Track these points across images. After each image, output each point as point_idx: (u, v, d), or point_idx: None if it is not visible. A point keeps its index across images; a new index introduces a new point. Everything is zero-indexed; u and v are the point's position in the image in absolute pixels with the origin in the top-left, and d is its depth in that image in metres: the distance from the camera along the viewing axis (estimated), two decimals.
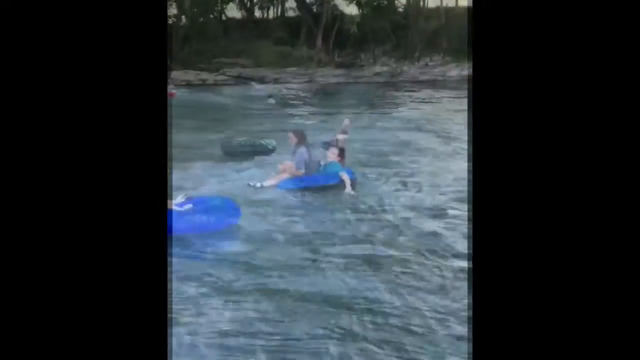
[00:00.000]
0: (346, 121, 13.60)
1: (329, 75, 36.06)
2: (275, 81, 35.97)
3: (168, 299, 2.18)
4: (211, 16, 40.13)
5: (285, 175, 9.09)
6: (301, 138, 9.41)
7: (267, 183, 8.94)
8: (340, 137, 11.54)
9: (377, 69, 37.12)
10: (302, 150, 9.11)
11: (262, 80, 36.41)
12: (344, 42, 40.02)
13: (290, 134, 9.67)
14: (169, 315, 2.46)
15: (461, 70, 32.94)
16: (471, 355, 2.05)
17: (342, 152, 9.29)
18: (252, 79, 36.69)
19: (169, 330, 2.65)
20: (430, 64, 35.92)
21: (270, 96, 24.37)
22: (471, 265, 1.94)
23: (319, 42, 40.39)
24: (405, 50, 37.91)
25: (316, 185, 8.78)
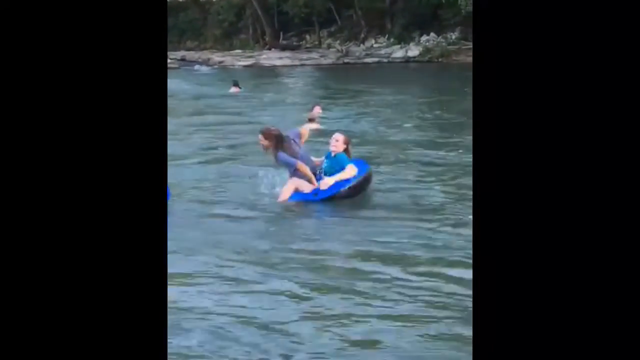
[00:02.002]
0: (317, 108, 13.32)
1: (274, 58, 35.82)
2: (220, 64, 35.57)
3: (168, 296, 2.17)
4: None
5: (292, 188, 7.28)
6: (278, 139, 7.19)
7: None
8: (313, 126, 11.26)
9: (322, 51, 37.07)
10: (283, 155, 7.13)
11: (206, 63, 35.95)
12: (289, 24, 39.82)
13: (260, 136, 7.31)
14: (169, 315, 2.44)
15: (406, 51, 33.15)
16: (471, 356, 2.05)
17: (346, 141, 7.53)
18: (196, 61, 36.18)
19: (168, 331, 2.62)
20: (375, 45, 36.05)
21: (235, 84, 20.77)
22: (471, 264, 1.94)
23: (264, 24, 40.08)
24: (351, 32, 37.95)
25: (337, 190, 7.22)
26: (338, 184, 7.22)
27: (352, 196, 7.26)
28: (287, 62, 34.74)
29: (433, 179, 8.34)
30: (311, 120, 11.94)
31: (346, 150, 7.45)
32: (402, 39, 34.30)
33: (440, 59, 30.94)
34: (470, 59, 29.86)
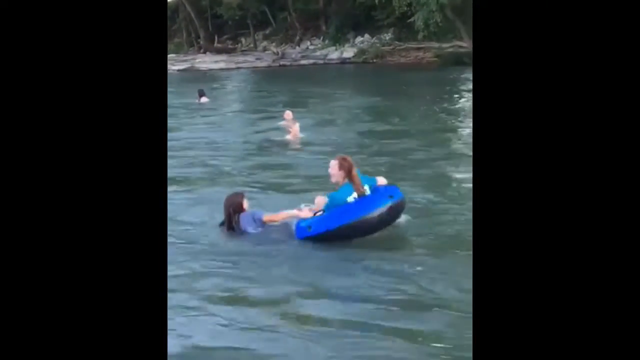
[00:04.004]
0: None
1: (210, 62, 35.54)
2: None
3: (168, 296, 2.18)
4: None
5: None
6: (239, 205, 6.11)
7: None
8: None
9: (258, 53, 37.00)
10: (246, 215, 6.07)
11: None
12: (223, 27, 39.57)
13: (226, 204, 6.10)
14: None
15: (341, 53, 33.43)
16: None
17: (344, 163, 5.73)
18: None
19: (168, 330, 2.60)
20: (310, 47, 36.22)
21: (201, 94, 18.02)
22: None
23: (197, 27, 39.69)
24: (286, 34, 38.00)
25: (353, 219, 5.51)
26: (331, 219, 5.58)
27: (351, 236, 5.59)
28: (223, 65, 34.51)
29: None
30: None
31: (350, 176, 5.69)
32: (337, 41, 34.55)
33: (375, 60, 31.29)
34: (404, 60, 30.48)
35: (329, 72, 29.24)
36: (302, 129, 11.24)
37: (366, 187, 5.70)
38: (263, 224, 6.01)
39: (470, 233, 3.20)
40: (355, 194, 5.63)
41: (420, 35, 28.75)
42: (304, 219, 5.77)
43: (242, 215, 6.04)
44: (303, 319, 4.21)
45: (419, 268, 4.94)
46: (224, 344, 3.97)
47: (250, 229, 5.96)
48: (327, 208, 5.73)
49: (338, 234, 5.52)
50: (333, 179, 5.72)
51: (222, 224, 6.18)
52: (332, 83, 23.24)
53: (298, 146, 10.77)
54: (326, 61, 33.26)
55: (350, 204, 5.59)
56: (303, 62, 33.75)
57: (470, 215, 5.49)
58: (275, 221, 6.02)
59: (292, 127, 11.02)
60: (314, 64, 33.10)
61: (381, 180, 5.95)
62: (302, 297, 4.57)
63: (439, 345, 3.75)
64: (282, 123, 12.33)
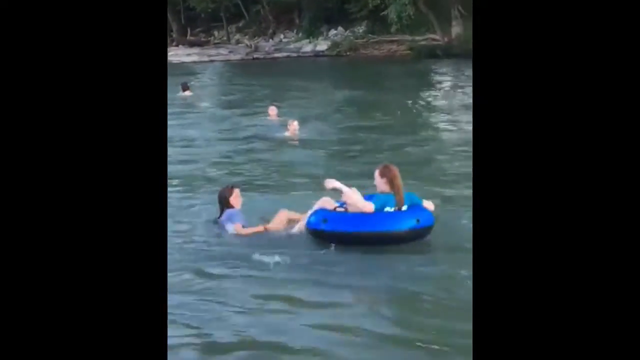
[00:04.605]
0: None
1: (182, 55, 35.28)
2: None
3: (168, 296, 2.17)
4: None
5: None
6: (226, 199, 6.00)
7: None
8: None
9: (231, 46, 36.86)
10: (229, 213, 5.93)
11: None
12: (196, 19, 39.32)
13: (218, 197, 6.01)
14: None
15: (315, 46, 33.47)
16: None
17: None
18: None
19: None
20: (284, 40, 36.20)
21: (184, 87, 17.18)
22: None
23: (170, 20, 39.35)
24: (259, 27, 37.91)
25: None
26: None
27: None
28: (196, 58, 34.28)
29: None
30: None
31: (393, 186, 5.45)
32: (311, 34, 34.59)
33: (348, 53, 31.37)
34: (377, 52, 30.61)
35: (303, 65, 29.22)
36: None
37: (404, 206, 5.45)
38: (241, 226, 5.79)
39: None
40: (394, 207, 5.41)
41: (393, 28, 28.98)
42: (322, 209, 5.59)
43: (227, 211, 5.90)
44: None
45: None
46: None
47: (229, 229, 5.78)
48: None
49: (349, 238, 5.35)
50: (378, 189, 5.52)
51: (214, 221, 6.03)
52: (309, 76, 23.21)
53: (296, 143, 10.46)
54: (300, 54, 33.25)
55: (375, 215, 5.34)
56: (277, 55, 33.70)
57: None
58: (247, 235, 5.71)
59: (290, 123, 10.74)
60: (288, 57, 33.06)
61: (428, 205, 5.60)
62: None
63: None
64: (267, 119, 12.17)
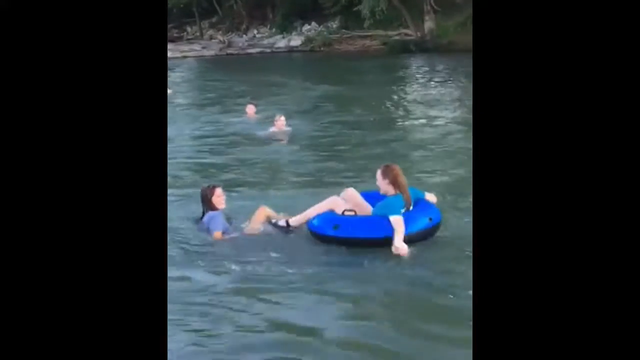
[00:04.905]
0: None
1: None
2: None
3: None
4: None
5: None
6: (207, 199, 5.82)
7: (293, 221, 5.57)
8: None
9: (204, 42, 36.72)
10: (216, 215, 5.72)
11: None
12: (168, 15, 39.01)
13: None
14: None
15: (288, 41, 33.49)
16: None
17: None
18: None
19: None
20: (258, 35, 36.14)
21: None
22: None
23: None
24: (232, 22, 37.79)
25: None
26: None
27: None
28: (169, 54, 34.08)
29: None
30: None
31: (397, 186, 5.31)
32: (284, 29, 34.60)
33: (322, 48, 31.44)
34: (351, 48, 30.72)
35: (277, 60, 29.22)
36: (269, 121, 10.87)
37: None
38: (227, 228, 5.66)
39: None
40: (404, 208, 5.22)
41: (366, 23, 29.12)
42: (330, 213, 5.35)
43: (209, 214, 5.70)
44: None
45: None
46: None
47: (210, 234, 5.62)
48: (374, 213, 5.32)
49: (363, 243, 5.11)
50: (381, 190, 5.34)
51: (196, 221, 5.86)
52: (284, 72, 23.18)
53: (284, 141, 10.18)
54: (274, 50, 33.24)
55: (387, 219, 5.10)
56: (250, 50, 33.65)
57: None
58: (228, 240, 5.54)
59: (277, 119, 10.51)
60: (262, 52, 33.02)
61: (430, 197, 5.57)
62: None
63: None
64: (246, 117, 12.00)
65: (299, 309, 4.25)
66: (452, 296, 4.24)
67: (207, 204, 5.76)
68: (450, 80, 18.30)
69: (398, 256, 4.89)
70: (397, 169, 5.36)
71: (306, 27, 34.22)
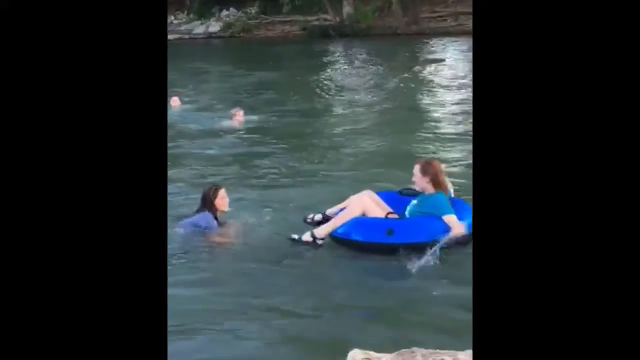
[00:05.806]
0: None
1: None
2: None
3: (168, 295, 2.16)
4: None
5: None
6: (208, 200, 5.53)
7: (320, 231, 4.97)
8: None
9: None
10: (206, 216, 5.48)
11: None
12: None
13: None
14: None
15: (207, 27, 33.17)
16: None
17: None
18: None
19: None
20: (175, 22, 35.61)
21: None
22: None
23: None
24: None
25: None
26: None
27: None
28: None
29: None
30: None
31: (438, 184, 4.97)
32: (202, 15, 34.18)
33: (241, 34, 31.38)
34: (270, 33, 30.76)
35: (197, 47, 28.88)
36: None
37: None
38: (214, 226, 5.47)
39: None
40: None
41: (285, 9, 29.36)
42: (361, 218, 4.90)
43: (199, 215, 5.47)
44: None
45: None
46: None
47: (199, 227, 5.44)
48: (411, 213, 4.99)
49: (421, 248, 4.58)
50: (418, 187, 5.01)
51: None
52: (207, 59, 22.99)
53: (242, 133, 9.86)
54: (192, 36, 32.83)
55: (440, 220, 4.79)
56: (168, 37, 33.05)
57: None
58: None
59: (236, 112, 10.22)
60: (180, 39, 32.45)
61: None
62: None
63: None
64: (171, 109, 11.32)
65: None
66: None
67: (209, 205, 5.47)
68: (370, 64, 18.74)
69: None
70: (438, 165, 5.05)
71: (224, 12, 33.99)
